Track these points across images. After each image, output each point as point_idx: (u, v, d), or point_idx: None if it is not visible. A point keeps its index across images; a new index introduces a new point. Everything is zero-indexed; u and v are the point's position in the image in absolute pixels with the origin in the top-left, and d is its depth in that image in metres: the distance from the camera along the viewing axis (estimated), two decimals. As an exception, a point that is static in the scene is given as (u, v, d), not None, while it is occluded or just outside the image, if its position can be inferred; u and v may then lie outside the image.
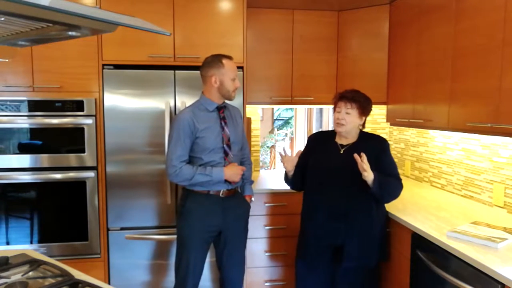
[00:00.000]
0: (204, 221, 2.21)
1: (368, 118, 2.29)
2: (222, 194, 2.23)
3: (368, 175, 1.99)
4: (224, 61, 2.18)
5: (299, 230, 2.36)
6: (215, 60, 2.19)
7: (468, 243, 1.74)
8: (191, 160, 2.22)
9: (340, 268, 2.15)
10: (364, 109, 2.17)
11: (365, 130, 2.28)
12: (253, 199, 2.53)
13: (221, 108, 2.26)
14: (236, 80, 2.23)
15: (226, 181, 2.21)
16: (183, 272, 2.23)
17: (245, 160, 2.44)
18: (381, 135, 3.60)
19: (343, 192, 2.11)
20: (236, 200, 2.33)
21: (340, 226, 2.12)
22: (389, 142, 3.61)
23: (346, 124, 2.15)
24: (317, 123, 7.29)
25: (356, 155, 2.00)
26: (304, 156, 2.29)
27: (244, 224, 2.38)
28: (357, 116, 2.16)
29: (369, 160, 2.04)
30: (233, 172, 2.20)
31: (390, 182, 2.08)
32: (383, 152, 2.17)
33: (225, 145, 2.22)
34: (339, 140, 2.24)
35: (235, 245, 2.32)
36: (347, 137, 2.21)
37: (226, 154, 2.23)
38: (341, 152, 2.19)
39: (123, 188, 2.72)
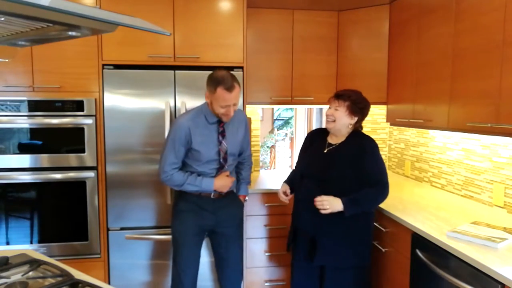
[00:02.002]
0: (196, 220, 2.24)
1: (368, 118, 2.29)
2: (213, 196, 2.24)
3: (333, 208, 2.02)
4: (219, 89, 2.05)
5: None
6: (213, 82, 2.09)
7: (468, 243, 1.74)
8: (184, 165, 2.23)
9: (314, 264, 2.16)
10: (355, 108, 2.13)
11: (365, 130, 2.28)
12: (247, 198, 2.53)
13: (221, 121, 2.21)
14: (229, 109, 2.10)
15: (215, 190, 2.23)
16: (179, 270, 2.25)
17: (245, 161, 2.44)
18: (381, 135, 3.63)
19: (317, 189, 2.10)
20: (228, 200, 2.33)
21: (311, 218, 2.13)
22: (389, 142, 3.63)
23: (335, 120, 2.14)
24: (317, 123, 7.29)
25: (315, 200, 2.05)
26: (301, 155, 2.37)
27: (237, 223, 2.37)
28: (346, 114, 2.14)
29: (347, 160, 2.09)
30: (222, 184, 2.21)
31: (365, 196, 2.07)
32: (366, 155, 2.10)
33: (221, 159, 2.22)
34: (330, 139, 2.25)
35: (230, 244, 2.33)
36: (337, 135, 2.21)
37: (221, 166, 2.23)
38: (325, 151, 2.20)
39: (123, 188, 2.72)
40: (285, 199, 2.33)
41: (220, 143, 2.20)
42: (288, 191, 2.33)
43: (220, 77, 2.07)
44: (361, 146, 2.13)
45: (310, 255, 2.16)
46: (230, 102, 2.09)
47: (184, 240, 2.24)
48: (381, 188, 2.11)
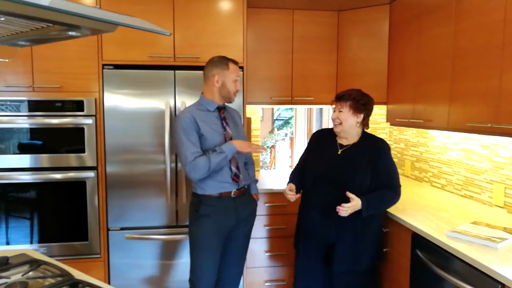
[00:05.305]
0: (219, 223, 2.21)
1: (368, 118, 2.28)
2: (233, 195, 2.24)
3: (353, 210, 1.98)
4: (230, 64, 2.21)
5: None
6: (221, 61, 2.22)
7: (468, 243, 1.74)
8: None
9: (333, 270, 2.14)
10: (358, 106, 2.12)
11: (367, 131, 2.27)
12: (259, 197, 2.54)
13: (221, 109, 2.27)
14: (237, 82, 2.25)
15: (234, 179, 2.21)
16: (196, 276, 2.23)
17: (248, 160, 2.44)
18: (381, 135, 3.64)
19: (336, 192, 2.07)
20: (246, 198, 2.34)
21: (331, 224, 2.10)
22: (389, 142, 3.62)
23: (341, 122, 2.13)
24: (317, 123, 7.28)
25: (338, 208, 1.97)
26: (305, 154, 2.34)
27: (252, 222, 2.41)
28: (350, 114, 2.12)
29: (365, 162, 2.08)
30: (241, 144, 2.18)
31: (383, 198, 2.10)
32: (382, 156, 2.13)
33: None
34: (340, 140, 2.22)
35: (240, 242, 2.35)
36: (347, 137, 2.19)
37: None
38: (339, 153, 2.18)
39: (123, 188, 2.72)
40: (292, 196, 2.19)
41: (224, 129, 2.23)
42: (294, 189, 2.21)
43: (223, 56, 2.25)
44: (376, 147, 2.14)
45: (328, 262, 2.14)
46: (239, 73, 2.28)
47: (203, 243, 2.21)
48: (396, 191, 2.14)
